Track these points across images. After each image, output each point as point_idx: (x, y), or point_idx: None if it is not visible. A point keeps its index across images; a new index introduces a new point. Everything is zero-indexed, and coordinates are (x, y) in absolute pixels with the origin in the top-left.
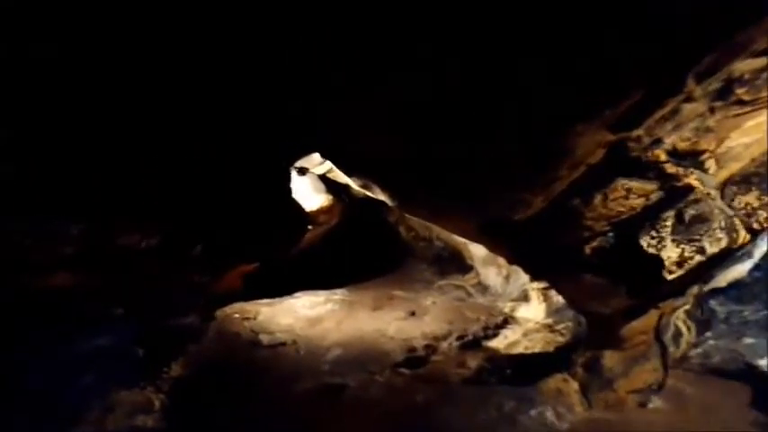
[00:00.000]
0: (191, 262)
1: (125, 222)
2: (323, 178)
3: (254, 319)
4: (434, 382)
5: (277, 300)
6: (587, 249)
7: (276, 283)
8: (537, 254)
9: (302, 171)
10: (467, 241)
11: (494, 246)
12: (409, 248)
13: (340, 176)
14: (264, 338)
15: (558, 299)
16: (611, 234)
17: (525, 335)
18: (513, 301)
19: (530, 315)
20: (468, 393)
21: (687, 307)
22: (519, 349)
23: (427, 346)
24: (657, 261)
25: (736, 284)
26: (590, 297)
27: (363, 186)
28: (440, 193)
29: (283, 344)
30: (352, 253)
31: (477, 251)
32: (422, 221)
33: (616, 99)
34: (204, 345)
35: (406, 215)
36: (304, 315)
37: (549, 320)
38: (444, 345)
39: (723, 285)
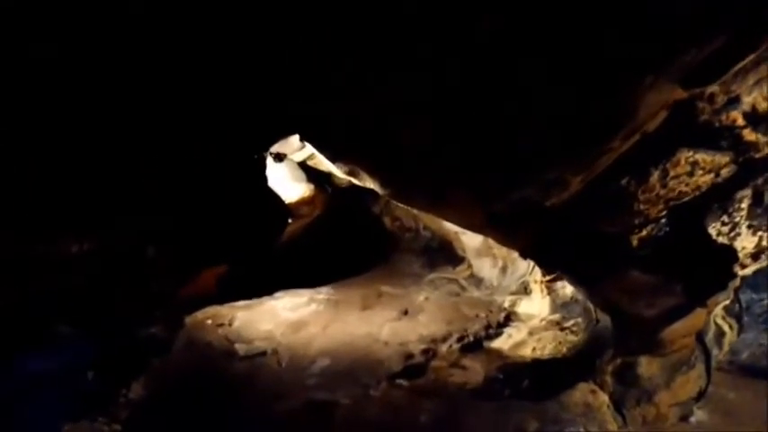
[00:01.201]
0: (146, 266)
1: (50, 223)
2: (303, 166)
3: (230, 325)
4: (438, 395)
5: (255, 301)
6: (635, 240)
7: (254, 282)
8: (567, 247)
9: (279, 157)
10: (458, 231)
11: (506, 237)
12: (395, 240)
13: (321, 163)
14: (241, 348)
15: (565, 292)
16: (665, 220)
17: (531, 333)
18: (512, 294)
19: (533, 310)
20: (480, 410)
21: (726, 302)
22: (526, 350)
23: (425, 351)
24: (729, 253)
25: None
26: (634, 298)
27: (350, 173)
28: (446, 177)
29: (262, 354)
30: (336, 247)
31: (469, 241)
32: (408, 211)
33: (700, 41)
34: (171, 358)
35: (392, 205)
36: (285, 319)
37: (556, 316)
38: (444, 348)
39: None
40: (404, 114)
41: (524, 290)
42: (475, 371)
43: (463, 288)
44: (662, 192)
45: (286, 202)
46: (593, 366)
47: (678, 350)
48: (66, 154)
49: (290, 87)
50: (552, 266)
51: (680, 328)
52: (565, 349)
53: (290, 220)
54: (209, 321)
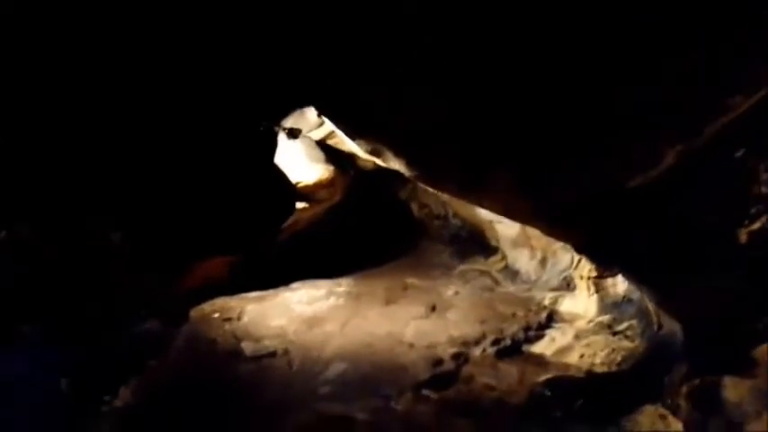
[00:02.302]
0: (115, 255)
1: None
2: (322, 145)
3: (238, 319)
4: (472, 412)
5: (269, 292)
6: (743, 235)
7: (269, 271)
8: (645, 241)
9: (293, 133)
10: (492, 218)
11: (558, 230)
12: (423, 228)
13: (343, 143)
14: (248, 347)
15: (616, 290)
16: None
17: (578, 337)
18: (552, 290)
19: (578, 310)
20: None
21: None
22: (572, 357)
23: (456, 356)
24: None
25: None
26: (728, 309)
27: (372, 152)
28: (488, 156)
29: (272, 354)
30: (358, 234)
31: (504, 230)
32: (437, 197)
33: None
34: (169, 358)
35: (420, 190)
36: (300, 313)
37: (606, 318)
38: (477, 352)
39: None
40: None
41: (567, 286)
42: (515, 382)
43: (497, 282)
44: None
45: (302, 184)
46: (660, 385)
47: None
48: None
49: (305, 50)
50: (616, 264)
51: None
52: (619, 358)
53: (304, 205)
54: (217, 315)
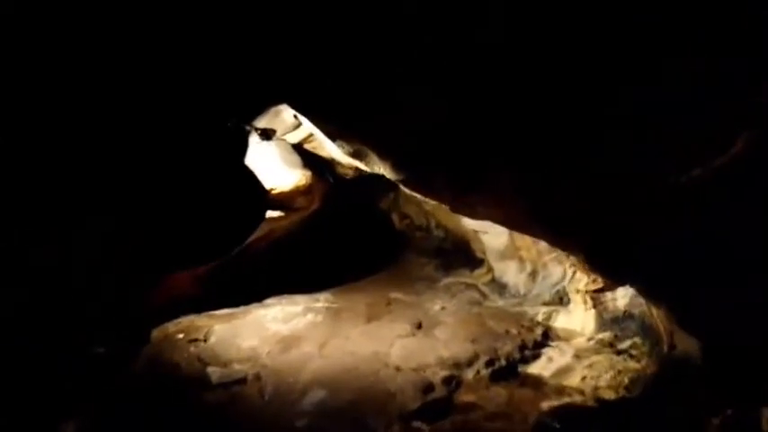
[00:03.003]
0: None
1: None
2: (298, 149)
3: (205, 340)
4: None
5: (240, 309)
6: None
7: (241, 285)
8: (666, 249)
9: (267, 134)
10: (478, 229)
11: (562, 236)
12: (404, 239)
13: (322, 147)
14: (215, 373)
15: (616, 304)
16: None
17: (578, 357)
18: (545, 305)
19: (574, 326)
20: None
21: None
22: (573, 379)
23: (448, 380)
24: None
25: None
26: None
27: (355, 154)
28: (490, 150)
29: (241, 381)
30: (337, 246)
31: (491, 241)
32: (418, 207)
33: None
34: (124, 385)
35: (401, 200)
36: (275, 333)
37: (607, 335)
38: (469, 374)
39: None
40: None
41: (560, 300)
42: (515, 409)
43: (484, 295)
44: None
45: (277, 191)
46: (677, 413)
47: None
48: None
49: (286, 42)
50: (626, 277)
51: None
52: (626, 380)
53: (279, 213)
54: (181, 336)
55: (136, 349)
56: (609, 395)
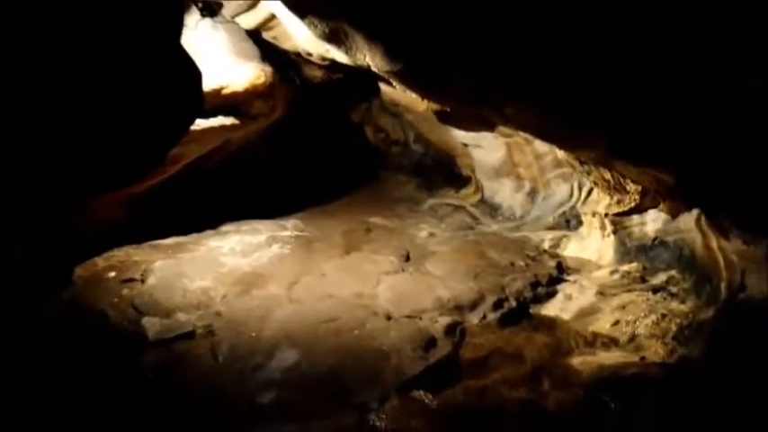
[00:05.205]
0: None
1: None
2: (255, 38)
3: (142, 280)
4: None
5: (190, 238)
6: None
7: (188, 209)
8: None
9: (210, 9)
10: (469, 142)
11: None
12: (380, 155)
13: (286, 37)
14: (153, 326)
15: (644, 229)
16: None
17: (603, 295)
18: (549, 229)
19: (588, 255)
20: None
21: None
22: (604, 324)
23: (451, 329)
24: None
25: None
26: None
27: (331, 37)
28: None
29: (188, 335)
30: (305, 162)
31: (484, 157)
32: (395, 119)
33: None
34: (30, 344)
35: (374, 111)
36: (232, 270)
37: (632, 266)
38: (474, 319)
39: None
40: None
41: (566, 224)
42: (540, 370)
43: (475, 218)
44: None
45: (228, 90)
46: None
47: None
48: None
49: None
50: (724, 206)
51: None
52: (674, 328)
53: (233, 121)
54: (113, 274)
55: (50, 294)
56: (656, 349)
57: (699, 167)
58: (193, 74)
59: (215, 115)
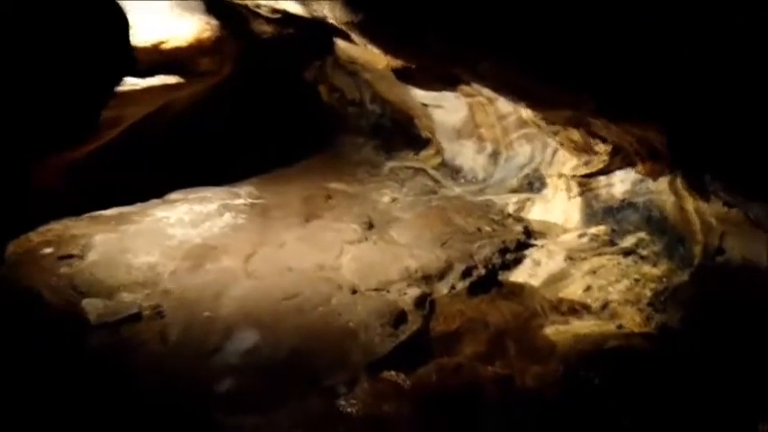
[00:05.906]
0: None
1: None
2: None
3: (81, 256)
4: (477, 409)
5: (134, 209)
6: None
7: (132, 175)
8: None
9: None
10: (429, 102)
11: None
12: (335, 116)
13: None
14: (95, 308)
15: (611, 191)
16: None
17: (572, 259)
18: (513, 192)
19: (555, 218)
20: None
21: None
22: (575, 290)
23: (420, 301)
24: None
25: None
26: None
27: None
28: None
29: (134, 318)
30: (256, 124)
31: (445, 117)
32: (350, 79)
33: None
34: None
35: (328, 69)
36: (181, 243)
37: (599, 228)
38: (444, 289)
39: None
40: None
41: (529, 186)
42: (513, 340)
43: (437, 182)
44: None
45: (169, 45)
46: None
47: None
48: None
49: None
50: (714, 170)
51: None
52: (648, 293)
53: (177, 79)
54: (50, 250)
55: None
56: (631, 316)
57: (692, 126)
58: (120, 23)
59: (155, 73)
